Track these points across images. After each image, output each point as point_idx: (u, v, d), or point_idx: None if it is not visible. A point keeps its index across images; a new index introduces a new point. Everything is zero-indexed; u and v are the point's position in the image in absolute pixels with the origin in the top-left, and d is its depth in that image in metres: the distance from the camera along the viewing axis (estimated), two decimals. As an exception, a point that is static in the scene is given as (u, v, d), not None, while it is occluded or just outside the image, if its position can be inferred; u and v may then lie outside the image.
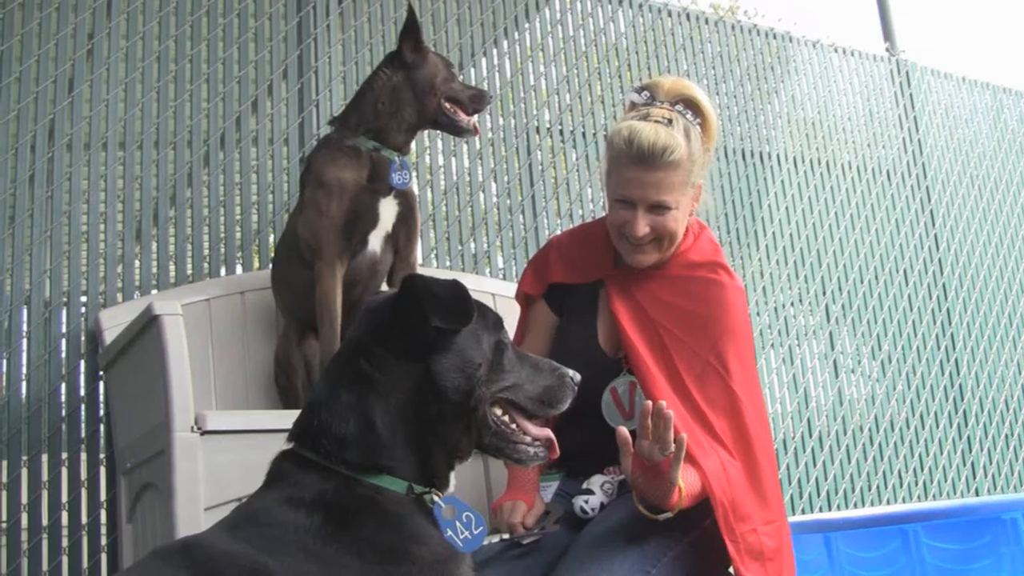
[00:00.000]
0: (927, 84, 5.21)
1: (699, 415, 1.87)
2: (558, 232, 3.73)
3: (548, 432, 1.54)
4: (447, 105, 2.54)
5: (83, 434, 2.73)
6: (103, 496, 2.70)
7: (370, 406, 1.39)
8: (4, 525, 2.62)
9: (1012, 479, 4.63)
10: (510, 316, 2.03)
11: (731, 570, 1.81)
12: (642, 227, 1.90)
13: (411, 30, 2.55)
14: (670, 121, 1.89)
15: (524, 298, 2.17)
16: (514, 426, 1.50)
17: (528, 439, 1.50)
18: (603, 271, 2.07)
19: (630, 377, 1.95)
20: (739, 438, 1.87)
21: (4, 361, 2.71)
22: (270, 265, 2.89)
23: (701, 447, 1.81)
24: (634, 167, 1.87)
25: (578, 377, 1.56)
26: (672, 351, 1.92)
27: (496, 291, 3.13)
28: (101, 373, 2.72)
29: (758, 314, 4.11)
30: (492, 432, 1.47)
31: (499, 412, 1.49)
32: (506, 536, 1.92)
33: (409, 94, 2.52)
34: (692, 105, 1.95)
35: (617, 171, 1.92)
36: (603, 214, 3.87)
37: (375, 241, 2.51)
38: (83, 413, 2.75)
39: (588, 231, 2.16)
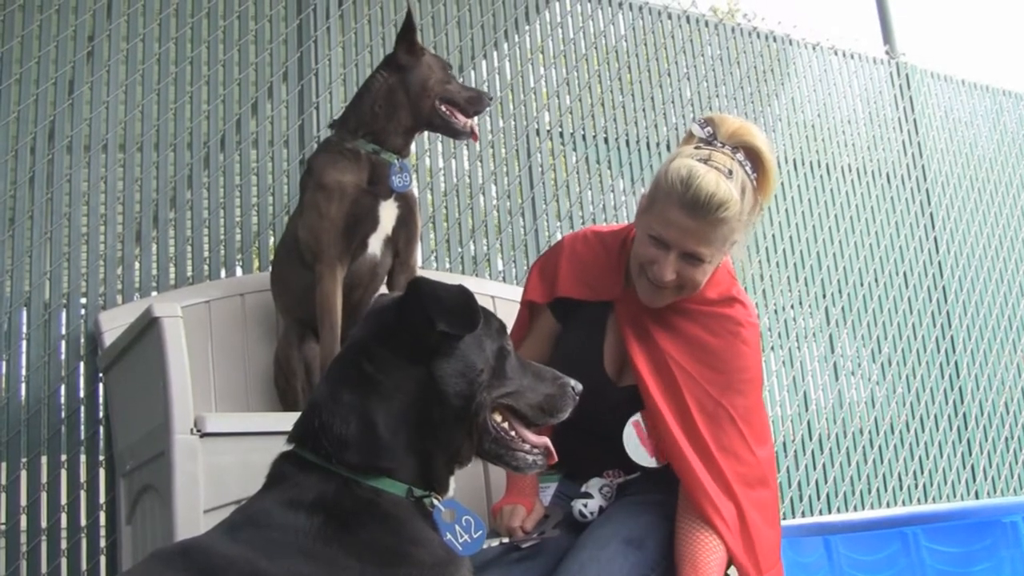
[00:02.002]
0: (927, 87, 5.21)
1: (706, 455, 1.84)
2: (558, 235, 3.75)
3: (546, 440, 1.54)
4: (442, 107, 2.53)
5: (82, 436, 2.73)
6: (102, 498, 2.69)
7: (372, 408, 1.39)
8: (3, 527, 2.61)
9: (1012, 482, 4.63)
10: (510, 319, 2.03)
11: (730, 572, 1.82)
12: (669, 273, 1.82)
13: (407, 32, 2.55)
14: (731, 172, 1.79)
15: (529, 305, 2.11)
16: (513, 433, 1.50)
17: (527, 447, 1.51)
18: (615, 291, 1.99)
19: None
20: (746, 482, 1.85)
21: (4, 363, 2.71)
22: (270, 267, 2.89)
23: (719, 497, 1.81)
24: (681, 211, 1.77)
25: (579, 387, 1.55)
26: (683, 386, 1.87)
27: (497, 294, 3.12)
28: (101, 375, 2.72)
29: (758, 316, 4.11)
30: (492, 438, 1.47)
31: (499, 419, 1.49)
32: (505, 540, 1.92)
33: (403, 96, 2.51)
34: (753, 156, 1.84)
35: (661, 209, 1.80)
36: (603, 216, 3.90)
37: (375, 244, 2.51)
38: (82, 415, 2.75)
39: (605, 242, 2.05)
